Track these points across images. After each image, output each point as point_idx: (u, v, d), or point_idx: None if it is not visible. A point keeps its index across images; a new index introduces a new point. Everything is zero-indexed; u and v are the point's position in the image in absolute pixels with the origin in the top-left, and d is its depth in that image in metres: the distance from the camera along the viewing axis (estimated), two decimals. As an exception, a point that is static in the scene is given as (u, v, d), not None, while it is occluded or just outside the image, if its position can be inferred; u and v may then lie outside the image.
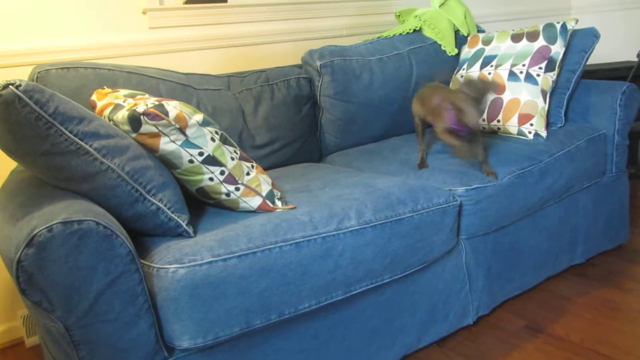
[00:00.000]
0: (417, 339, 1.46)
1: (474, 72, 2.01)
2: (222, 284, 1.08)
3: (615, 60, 3.17)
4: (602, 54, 3.23)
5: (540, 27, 1.91)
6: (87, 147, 1.02)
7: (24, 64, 1.66)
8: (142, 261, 1.09)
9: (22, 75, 1.66)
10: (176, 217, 1.15)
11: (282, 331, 1.23)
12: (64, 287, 0.93)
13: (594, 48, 1.93)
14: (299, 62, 2.14)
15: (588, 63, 2.97)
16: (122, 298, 1.00)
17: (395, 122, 2.09)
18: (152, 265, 1.06)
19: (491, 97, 1.64)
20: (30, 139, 0.98)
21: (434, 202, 1.40)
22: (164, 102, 1.15)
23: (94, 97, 1.37)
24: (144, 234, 1.19)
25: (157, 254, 1.09)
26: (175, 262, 1.05)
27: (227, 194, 1.25)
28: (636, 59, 2.96)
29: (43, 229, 0.90)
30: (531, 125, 1.81)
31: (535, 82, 1.84)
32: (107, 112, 1.24)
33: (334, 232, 1.22)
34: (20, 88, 0.94)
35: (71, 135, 1.00)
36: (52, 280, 0.92)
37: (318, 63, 1.92)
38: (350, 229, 1.24)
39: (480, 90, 1.48)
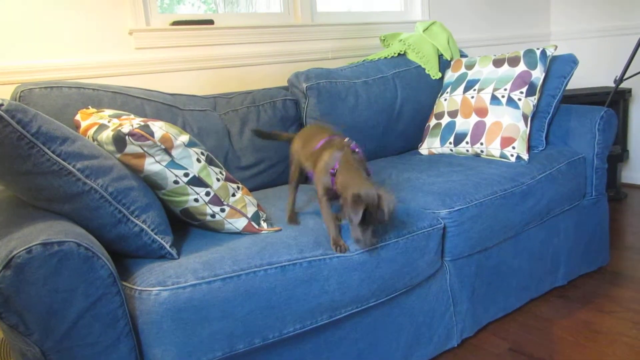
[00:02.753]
0: (401, 362, 1.45)
1: (458, 95, 2.05)
2: (206, 308, 1.06)
3: (594, 85, 3.26)
4: (580, 80, 3.32)
5: (521, 53, 1.96)
6: (69, 167, 1.00)
7: (6, 83, 1.64)
8: (124, 283, 1.07)
9: (4, 94, 1.64)
10: (160, 239, 1.13)
11: (266, 355, 1.21)
12: (42, 310, 0.91)
13: (572, 73, 1.99)
14: (285, 84, 2.15)
15: (567, 88, 3.05)
16: (102, 321, 0.97)
17: (380, 144, 2.11)
18: (134, 287, 1.05)
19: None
20: (12, 158, 0.96)
21: (418, 226, 1.40)
22: (149, 123, 1.15)
23: (78, 117, 1.36)
24: (127, 256, 1.17)
25: (140, 276, 1.07)
26: (158, 284, 1.04)
27: (212, 215, 1.24)
28: (613, 85, 3.05)
29: (22, 251, 0.88)
30: (513, 148, 1.84)
31: (517, 106, 1.88)
32: (91, 132, 1.23)
33: (320, 257, 1.21)
34: (3, 107, 0.93)
35: (54, 156, 0.99)
36: (29, 303, 0.90)
37: (304, 85, 1.94)
38: (336, 254, 1.24)
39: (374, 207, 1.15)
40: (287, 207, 1.42)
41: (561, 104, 2.08)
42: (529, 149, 1.93)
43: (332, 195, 1.27)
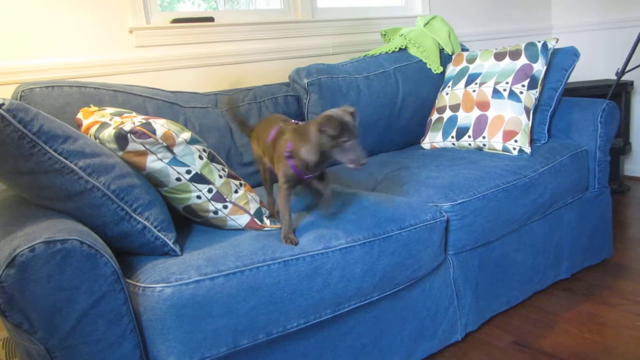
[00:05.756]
0: (405, 356, 1.45)
1: (459, 89, 2.04)
2: (210, 303, 1.06)
3: (595, 78, 3.25)
4: (582, 73, 3.30)
5: (522, 46, 1.95)
6: (72, 165, 1.01)
7: (7, 83, 1.64)
8: (128, 280, 1.07)
9: (5, 94, 1.64)
10: (163, 236, 1.13)
11: (270, 351, 1.21)
12: (46, 308, 0.91)
13: (574, 66, 1.98)
14: (287, 80, 2.15)
15: (569, 81, 3.04)
16: (106, 318, 0.98)
17: (382, 139, 2.11)
18: (138, 284, 1.05)
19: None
20: (14, 157, 0.96)
21: (421, 218, 1.40)
22: (151, 120, 1.15)
23: (79, 116, 1.36)
24: (130, 253, 1.17)
25: (143, 273, 1.07)
26: (161, 281, 1.04)
27: (215, 212, 1.24)
28: (615, 77, 3.03)
29: (25, 249, 0.88)
30: (515, 141, 1.84)
31: (519, 100, 1.87)
32: (93, 130, 1.23)
33: (323, 251, 1.21)
34: (4, 107, 0.93)
35: (55, 154, 0.99)
36: (33, 301, 0.90)
37: (305, 81, 1.93)
38: (338, 247, 1.24)
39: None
40: (268, 207, 1.36)
41: (563, 97, 2.07)
42: (531, 142, 1.92)
43: (297, 183, 1.23)
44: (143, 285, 1.04)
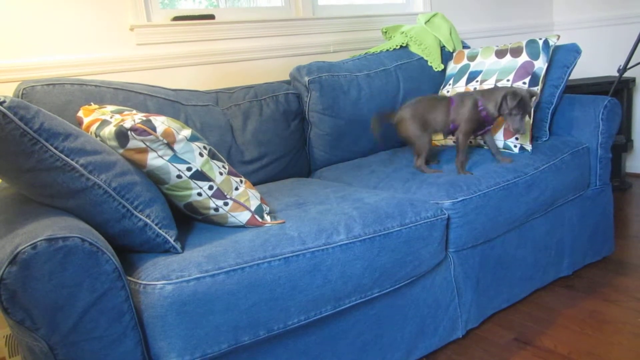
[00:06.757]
0: (406, 353, 1.46)
1: (460, 87, 2.04)
2: (210, 300, 1.07)
3: (597, 75, 3.24)
4: (584, 70, 3.30)
5: (524, 43, 1.95)
6: (73, 163, 1.01)
7: (8, 80, 1.65)
8: (129, 278, 1.08)
9: (7, 91, 1.64)
10: (164, 233, 1.14)
11: (271, 347, 1.22)
12: (48, 305, 0.92)
13: (575, 63, 1.97)
14: (287, 78, 2.15)
15: (570, 78, 3.03)
16: (108, 315, 0.98)
17: (383, 137, 2.11)
18: (139, 282, 1.05)
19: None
20: (15, 155, 0.97)
21: (422, 216, 1.40)
22: (151, 118, 1.15)
23: (80, 114, 1.36)
24: (131, 251, 1.17)
25: (144, 271, 1.08)
26: (162, 278, 1.04)
27: (216, 209, 1.24)
28: (617, 74, 3.03)
29: (27, 246, 0.89)
30: (516, 139, 1.84)
31: (520, 97, 1.87)
32: (93, 128, 1.23)
33: (323, 247, 1.22)
34: (5, 104, 0.93)
35: (57, 152, 0.99)
36: (35, 299, 0.90)
37: (306, 79, 1.93)
38: (339, 244, 1.24)
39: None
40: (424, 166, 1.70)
41: (564, 94, 2.07)
42: (533, 139, 1.92)
43: (479, 129, 1.73)
44: (144, 282, 1.04)
